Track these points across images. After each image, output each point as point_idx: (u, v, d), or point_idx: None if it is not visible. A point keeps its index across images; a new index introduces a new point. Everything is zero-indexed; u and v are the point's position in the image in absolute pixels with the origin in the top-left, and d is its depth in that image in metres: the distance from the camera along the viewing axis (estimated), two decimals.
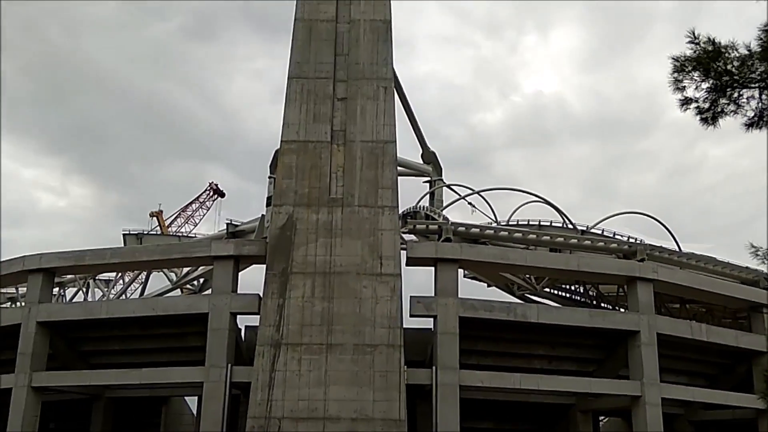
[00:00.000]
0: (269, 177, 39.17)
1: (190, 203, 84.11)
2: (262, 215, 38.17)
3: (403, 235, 34.58)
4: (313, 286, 26.70)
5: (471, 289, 42.99)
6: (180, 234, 69.06)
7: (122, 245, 46.30)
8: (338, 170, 28.27)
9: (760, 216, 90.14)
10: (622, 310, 40.25)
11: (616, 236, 35.91)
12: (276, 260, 27.12)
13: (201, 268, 40.73)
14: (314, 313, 26.39)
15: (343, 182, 28.12)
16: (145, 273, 47.31)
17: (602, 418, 42.35)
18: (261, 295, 27.24)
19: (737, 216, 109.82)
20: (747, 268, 34.56)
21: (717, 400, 32.77)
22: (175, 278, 45.65)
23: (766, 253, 10.60)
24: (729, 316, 41.04)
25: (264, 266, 27.45)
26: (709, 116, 10.23)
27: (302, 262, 27.00)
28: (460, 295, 28.68)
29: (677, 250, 35.42)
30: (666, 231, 37.43)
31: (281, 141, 28.80)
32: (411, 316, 28.42)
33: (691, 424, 37.26)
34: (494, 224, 40.72)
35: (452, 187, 46.25)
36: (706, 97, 10.19)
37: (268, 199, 37.98)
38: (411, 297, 28.36)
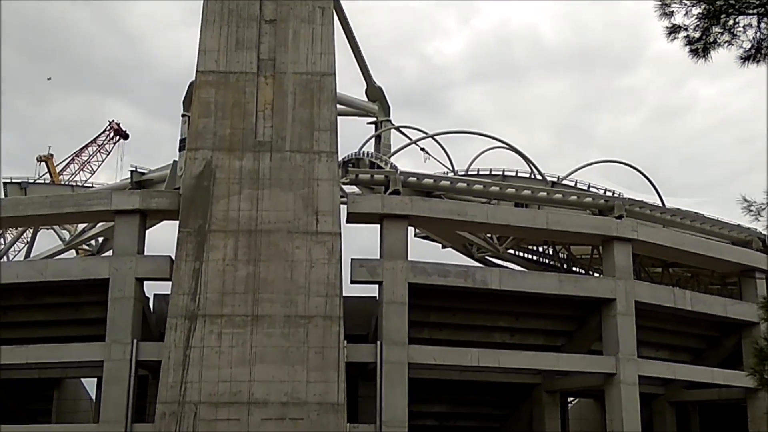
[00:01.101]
0: (183, 115, 38.41)
1: (86, 146, 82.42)
2: (174, 161, 37.56)
3: (344, 187, 34.51)
4: (235, 247, 26.56)
5: (423, 250, 43.38)
6: (74, 183, 67.73)
7: (1, 196, 45.17)
8: (266, 108, 27.96)
9: (756, 166, 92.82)
10: (596, 275, 41.23)
11: (591, 189, 36.49)
12: (191, 216, 26.85)
13: (100, 224, 40.06)
14: (237, 278, 26.31)
15: (271, 122, 27.85)
16: (31, 231, 46.35)
17: (571, 399, 43.59)
18: (173, 257, 27.01)
19: (730, 166, 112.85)
20: (739, 226, 35.60)
21: (701, 378, 34.01)
22: (68, 237, 44.88)
23: (761, 207, 10.88)
24: (717, 281, 42.41)
25: (177, 223, 27.15)
26: (700, 47, 10.37)
27: (223, 218, 26.80)
28: (409, 258, 28.90)
29: (660, 205, 36.22)
30: (648, 183, 38.20)
31: (197, 72, 28.29)
32: (352, 282, 28.57)
33: (671, 405, 38.69)
34: (451, 174, 40.95)
35: (402, 129, 46.20)
36: (697, 25, 10.31)
37: (182, 141, 37.30)
38: (352, 260, 28.47)
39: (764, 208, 10.98)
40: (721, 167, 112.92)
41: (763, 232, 32.47)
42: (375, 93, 45.59)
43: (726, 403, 36.78)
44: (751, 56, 10.42)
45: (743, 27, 10.34)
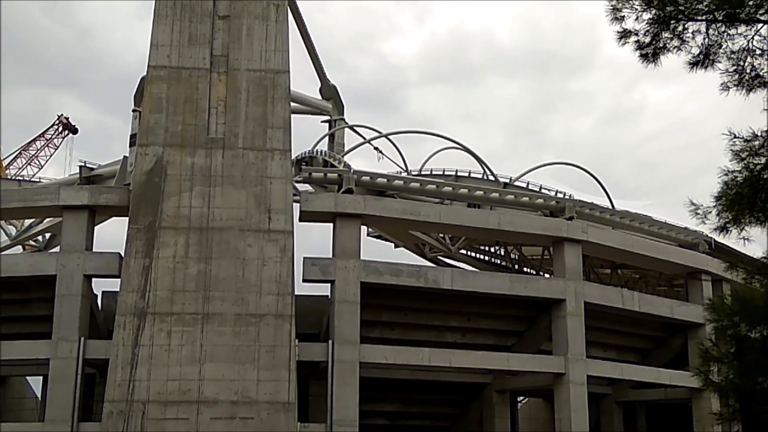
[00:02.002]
0: (134, 110, 38.02)
1: (34, 140, 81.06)
2: (125, 157, 37.10)
3: (297, 185, 34.42)
4: (186, 245, 26.36)
5: (375, 250, 43.43)
6: (21, 178, 66.57)
7: None
8: (219, 104, 27.79)
9: (705, 170, 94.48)
10: (546, 275, 41.65)
11: (543, 190, 36.86)
12: (141, 212, 26.58)
13: (47, 220, 39.43)
14: (188, 276, 26.11)
15: (224, 119, 27.68)
16: None
17: (521, 398, 44.01)
18: (122, 254, 26.72)
19: (680, 170, 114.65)
20: (686, 229, 36.23)
21: (648, 378, 34.56)
22: (14, 232, 44.09)
23: (707, 210, 11.08)
24: (665, 283, 43.15)
25: (126, 219, 26.86)
26: (650, 52, 10.55)
27: (174, 215, 26.57)
28: (362, 257, 28.94)
29: (610, 207, 36.72)
30: (598, 185, 38.69)
31: (149, 66, 28.00)
32: (304, 281, 28.53)
33: (619, 405, 39.28)
34: (404, 174, 41.06)
35: (356, 128, 46.19)
36: (648, 30, 10.48)
37: (132, 137, 36.88)
38: (304, 258, 28.43)
39: (710, 211, 11.19)
40: (671, 170, 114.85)
41: (710, 235, 33.06)
42: (329, 91, 45.52)
43: (672, 402, 37.45)
44: (699, 62, 10.62)
45: (692, 33, 10.53)
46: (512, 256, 44.84)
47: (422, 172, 41.50)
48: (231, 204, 26.90)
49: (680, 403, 36.88)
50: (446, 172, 40.37)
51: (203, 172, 27.06)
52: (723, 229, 11.17)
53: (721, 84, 10.74)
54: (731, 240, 11.38)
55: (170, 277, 26.04)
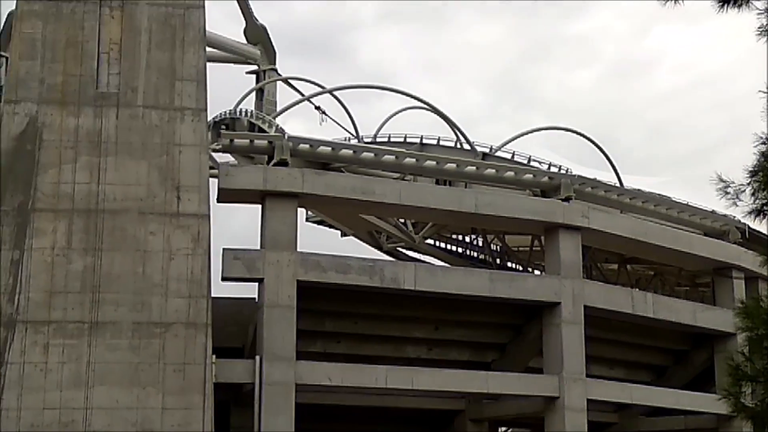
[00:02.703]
0: None
1: None
2: None
3: (214, 155, 34.23)
4: (69, 232, 26.10)
5: (317, 239, 43.37)
6: None
7: None
8: (111, 49, 27.49)
9: (735, 138, 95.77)
10: (536, 272, 41.99)
11: (532, 163, 37.13)
12: (9, 190, 26.24)
13: None
14: (71, 273, 25.86)
15: (119, 69, 27.40)
16: None
17: (503, 429, 44.43)
18: None
19: (704, 138, 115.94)
20: (713, 212, 36.75)
21: (665, 403, 35.07)
22: None
23: (740, 189, 11.20)
24: (686, 282, 43.78)
25: None
26: None
27: (52, 193, 26.28)
28: (299, 249, 28.90)
29: (617, 185, 37.09)
30: (603, 157, 39.07)
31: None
32: (224, 279, 28.44)
33: None
34: (354, 141, 41.03)
35: (291, 81, 46.10)
36: None
37: None
38: (224, 250, 28.32)
39: (743, 190, 11.30)
40: (693, 139, 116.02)
41: (743, 221, 33.59)
42: (256, 34, 45.33)
43: None
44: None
45: None
46: (493, 247, 45.12)
47: (378, 139, 41.53)
48: (128, 179, 26.65)
49: None
50: (409, 139, 40.45)
51: (91, 138, 26.76)
52: (759, 212, 11.31)
53: (758, 28, 10.85)
54: None
55: (47, 274, 25.74)
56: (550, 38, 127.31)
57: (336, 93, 43.00)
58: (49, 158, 26.52)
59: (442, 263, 43.51)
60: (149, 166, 26.87)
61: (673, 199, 37.15)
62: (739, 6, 10.83)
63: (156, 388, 25.52)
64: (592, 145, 39.43)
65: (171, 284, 26.23)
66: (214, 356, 26.16)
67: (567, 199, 32.73)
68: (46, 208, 26.19)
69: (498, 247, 45.27)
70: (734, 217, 34.59)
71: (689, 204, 37.25)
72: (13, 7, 28.29)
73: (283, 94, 45.79)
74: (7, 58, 33.52)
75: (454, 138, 38.99)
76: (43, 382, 25.08)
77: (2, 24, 37.18)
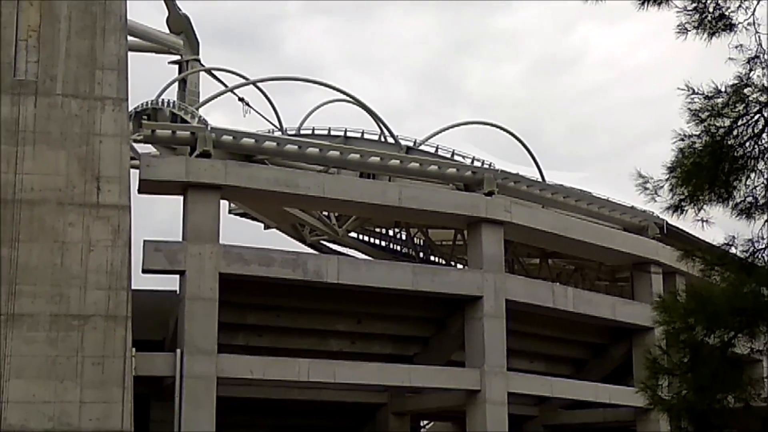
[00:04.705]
0: None
1: None
2: None
3: (136, 146, 33.87)
4: None
5: (239, 232, 43.17)
6: None
7: None
8: (30, 36, 27.04)
9: (656, 134, 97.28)
10: (459, 266, 42.27)
11: (456, 157, 37.34)
12: None
13: None
14: None
15: (37, 56, 26.96)
16: None
17: (425, 423, 44.71)
18: None
19: (626, 133, 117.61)
20: (632, 208, 37.28)
21: (584, 396, 35.57)
22: None
23: (659, 185, 11.35)
24: (606, 277, 44.41)
25: None
26: None
27: None
28: (221, 241, 28.77)
29: (540, 180, 37.47)
30: (526, 152, 39.43)
31: None
32: (144, 271, 28.26)
33: (547, 429, 40.29)
34: (278, 133, 40.90)
35: (215, 72, 45.75)
36: None
37: None
38: (145, 242, 28.12)
39: (662, 186, 11.46)
40: (616, 135, 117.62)
41: (661, 217, 34.02)
42: (179, 23, 44.88)
43: (613, 426, 38.63)
44: None
45: None
46: (416, 241, 45.33)
47: (301, 131, 41.42)
48: (46, 169, 26.27)
49: (622, 427, 38.11)
50: (332, 132, 40.44)
51: (8, 127, 26.31)
52: (677, 208, 11.48)
53: (678, 26, 11.02)
54: (687, 222, 11.69)
55: None
56: (476, 33, 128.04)
57: (260, 84, 42.83)
58: None
59: (366, 257, 43.57)
60: (68, 156, 26.51)
61: (594, 195, 37.61)
62: (659, 4, 11.00)
63: (74, 381, 25.22)
64: (515, 141, 39.79)
65: (90, 276, 25.93)
66: (134, 349, 25.93)
67: (490, 194, 33.00)
68: None
69: (421, 241, 45.51)
70: (653, 212, 35.18)
71: (610, 199, 37.73)
72: None
73: (207, 85, 45.47)
74: None
75: (379, 131, 39.07)
76: None
77: None
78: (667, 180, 11.33)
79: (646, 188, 11.40)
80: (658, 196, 11.38)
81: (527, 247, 39.77)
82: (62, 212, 26.14)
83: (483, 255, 32.20)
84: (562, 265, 45.05)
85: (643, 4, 10.96)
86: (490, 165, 36.30)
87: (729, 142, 11.13)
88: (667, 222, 36.23)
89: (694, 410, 12.45)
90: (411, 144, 37.70)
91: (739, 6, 10.97)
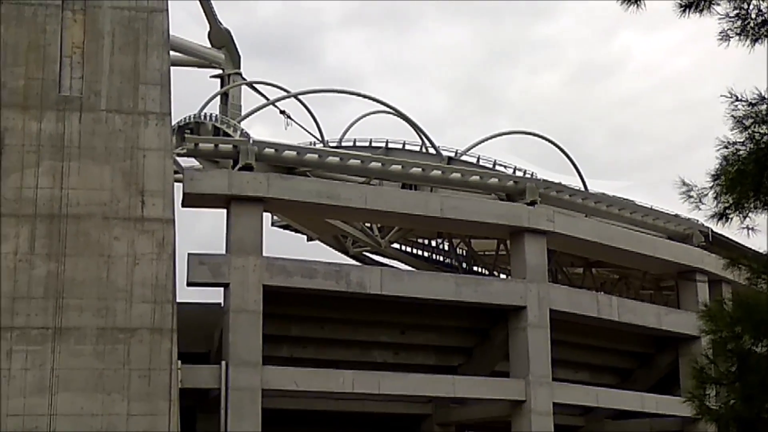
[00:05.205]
0: None
1: None
2: None
3: (179, 159, 34.10)
4: (32, 237, 25.92)
5: (283, 244, 43.32)
6: None
7: None
8: (74, 53, 27.34)
9: (699, 141, 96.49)
10: (502, 276, 42.14)
11: (498, 167, 37.26)
12: None
13: None
14: (34, 279, 25.69)
15: (81, 72, 27.25)
16: None
17: None
18: None
19: (668, 141, 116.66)
20: (676, 216, 37.03)
21: (630, 406, 35.26)
22: None
23: (703, 193, 11.29)
24: (650, 285, 44.08)
25: None
26: None
27: (14, 198, 26.09)
28: (265, 254, 28.87)
29: (582, 189, 37.30)
30: (568, 161, 39.29)
31: None
32: (189, 284, 28.40)
33: None
34: (319, 145, 41.02)
35: (256, 86, 46.00)
36: None
37: None
38: (190, 255, 28.28)
39: (706, 194, 11.40)
40: (657, 142, 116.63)
41: (706, 225, 33.86)
42: (221, 37, 45.19)
43: None
44: (692, 4, 10.82)
45: None
46: (459, 251, 45.25)
47: (343, 144, 41.53)
48: (91, 184, 26.52)
49: None
50: (374, 144, 40.49)
51: (54, 142, 26.60)
52: (722, 216, 11.40)
53: (720, 33, 10.96)
54: (732, 230, 11.60)
55: (10, 280, 25.56)
56: (516, 42, 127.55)
57: (301, 97, 43.01)
58: (12, 163, 26.33)
59: (408, 267, 43.57)
60: (113, 170, 26.74)
61: (637, 203, 37.41)
62: (701, 11, 10.95)
63: (121, 394, 25.40)
64: (557, 149, 39.66)
65: (136, 289, 26.12)
66: (179, 362, 26.07)
67: (532, 203, 32.91)
68: (8, 213, 26.00)
69: (464, 251, 45.42)
70: (697, 220, 34.96)
71: (653, 208, 37.51)
72: None
73: (248, 98, 45.71)
74: None
75: (420, 142, 39.09)
76: (6, 388, 24.91)
77: None
78: (711, 188, 11.26)
79: (690, 196, 11.33)
80: (703, 204, 11.32)
81: (570, 256, 39.58)
82: (107, 226, 26.36)
83: (526, 265, 32.11)
84: (606, 275, 44.79)
85: (684, 10, 10.91)
86: (532, 174, 36.17)
87: None
88: (711, 230, 35.96)
89: (742, 419, 12.35)
90: (452, 154, 37.67)
91: None
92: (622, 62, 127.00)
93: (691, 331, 33.04)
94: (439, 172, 33.93)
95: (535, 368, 31.24)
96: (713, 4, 10.76)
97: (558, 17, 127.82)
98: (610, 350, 37.92)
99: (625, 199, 37.52)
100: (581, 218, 35.21)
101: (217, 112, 41.91)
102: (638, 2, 10.82)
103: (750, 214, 11.32)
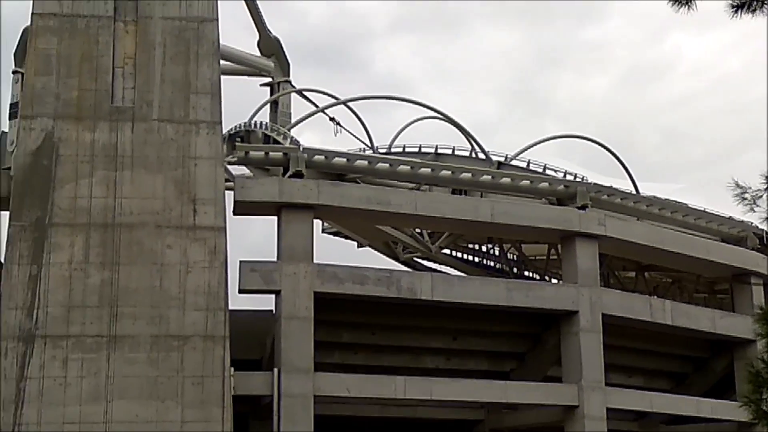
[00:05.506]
0: (14, 72, 37.84)
1: None
2: (4, 133, 36.93)
3: (230, 167, 34.33)
4: (86, 246, 26.22)
5: (333, 250, 43.43)
6: None
7: None
8: (126, 64, 27.64)
9: (752, 142, 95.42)
10: (554, 281, 41.94)
11: (548, 171, 37.12)
12: (26, 205, 26.38)
13: None
14: (89, 287, 25.97)
15: (133, 83, 27.54)
16: None
17: None
18: (2, 260, 26.54)
19: (721, 143, 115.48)
20: (730, 219, 36.64)
21: (685, 410, 34.92)
22: None
23: (757, 195, 11.21)
24: (704, 289, 43.62)
25: (7, 214, 26.66)
26: None
27: (69, 207, 26.41)
28: (316, 260, 28.97)
29: (634, 192, 37.05)
30: (618, 164, 39.03)
31: (33, 14, 27.75)
32: (241, 291, 28.54)
33: None
34: (369, 152, 41.08)
35: (306, 93, 46.14)
36: None
37: (13, 107, 36.66)
38: (241, 262, 28.42)
39: (761, 196, 11.31)
40: (709, 144, 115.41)
41: (760, 227, 33.48)
42: (270, 46, 45.39)
43: None
44: (744, 4, 10.74)
45: None
46: (510, 256, 45.10)
47: (392, 150, 41.57)
48: (144, 193, 26.77)
49: None
50: (423, 149, 40.49)
51: (107, 152, 26.90)
52: None
53: None
54: None
55: (66, 289, 25.86)
56: (564, 44, 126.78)
57: (350, 104, 43.09)
58: (66, 173, 26.66)
59: (459, 273, 43.48)
60: (165, 179, 26.99)
61: (690, 206, 37.08)
62: (753, 11, 10.87)
63: (175, 401, 25.59)
64: (608, 153, 39.43)
65: (188, 297, 26.32)
66: (232, 369, 26.22)
67: (583, 207, 32.74)
68: (63, 223, 26.33)
69: (514, 256, 45.25)
70: (752, 223, 34.57)
71: (706, 210, 37.17)
72: (28, 23, 28.41)
73: (298, 106, 45.82)
74: (22, 74, 33.78)
75: (469, 147, 39.06)
76: (63, 396, 25.18)
77: (17, 40, 37.40)
78: (766, 189, 11.17)
79: (744, 198, 11.26)
80: (757, 206, 11.24)
81: (623, 260, 39.29)
82: (160, 235, 26.59)
83: (578, 269, 31.94)
84: (659, 278, 44.39)
85: (736, 11, 10.84)
86: (582, 178, 36.00)
87: None
88: (766, 232, 35.54)
89: None
90: (502, 159, 37.58)
91: None
92: (673, 63, 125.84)
93: (747, 334, 32.72)
94: (489, 177, 33.83)
95: (588, 373, 31.05)
96: (765, 4, 10.68)
97: (607, 19, 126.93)
98: (664, 354, 37.59)
99: (677, 201, 37.22)
100: (633, 221, 34.97)
101: (267, 120, 42.12)
102: (689, 3, 10.76)
103: None
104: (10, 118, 36.75)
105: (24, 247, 26.09)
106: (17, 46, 37.11)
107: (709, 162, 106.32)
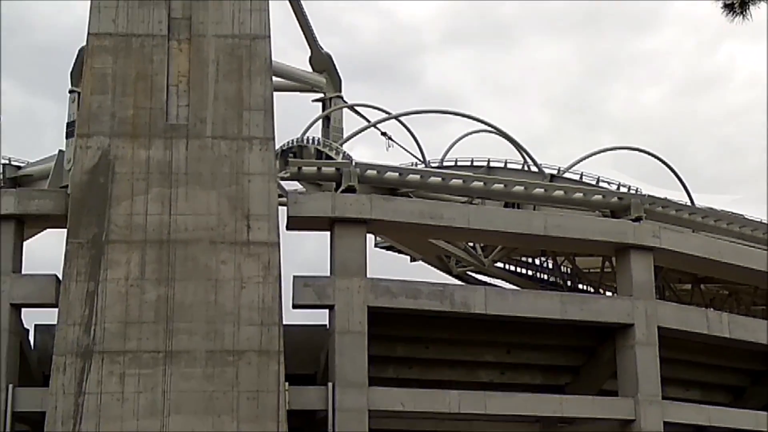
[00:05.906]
0: (71, 92, 38.41)
1: None
2: (61, 151, 37.43)
3: (283, 183, 34.53)
4: (142, 263, 26.46)
5: (386, 265, 43.47)
6: None
7: None
8: (180, 81, 27.92)
9: None
10: (608, 294, 41.68)
11: (601, 184, 36.96)
12: (83, 222, 26.69)
13: None
14: (145, 303, 26.21)
15: (187, 100, 27.80)
16: None
17: None
18: (60, 276, 26.83)
19: None
20: None
21: (744, 424, 34.42)
22: None
23: None
24: (762, 301, 43.08)
25: (64, 232, 26.98)
26: (737, 2, 10.60)
27: (125, 224, 26.69)
28: (369, 275, 29.00)
29: (689, 204, 36.76)
30: (673, 176, 38.74)
31: (89, 35, 28.15)
32: (295, 306, 28.57)
33: None
34: (421, 166, 41.14)
35: (357, 108, 46.34)
36: None
37: (70, 125, 37.21)
38: (295, 277, 28.48)
39: None
40: (764, 155, 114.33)
41: None
42: (322, 62, 45.65)
43: None
44: (733, 4, 10.65)
45: None
46: (563, 269, 44.89)
47: (444, 163, 41.61)
48: (198, 209, 26.99)
49: None
50: (475, 163, 40.51)
51: (162, 169, 27.16)
52: None
53: None
54: None
55: (122, 305, 26.12)
56: (617, 56, 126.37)
57: (402, 118, 43.20)
58: (122, 190, 26.95)
59: (513, 286, 43.36)
60: (219, 195, 27.19)
61: (746, 217, 36.71)
62: (742, 13, 10.77)
63: (230, 416, 25.73)
64: (662, 164, 39.17)
65: (243, 312, 26.47)
66: (287, 383, 26.32)
67: (637, 219, 32.52)
68: (119, 240, 26.60)
69: (568, 269, 45.05)
70: None
71: (763, 222, 36.79)
72: (84, 43, 28.81)
73: (350, 121, 46.04)
74: (78, 93, 34.28)
75: (522, 160, 39.01)
76: (120, 411, 25.42)
77: (74, 60, 37.96)
78: None
79: None
80: None
81: (678, 272, 38.96)
82: (215, 251, 26.78)
83: (633, 282, 31.68)
84: (716, 290, 43.96)
85: (729, 12, 10.75)
86: (636, 190, 35.84)
87: None
88: None
89: None
90: (555, 172, 37.52)
91: None
92: (727, 74, 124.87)
93: None
94: (542, 189, 33.71)
95: (644, 387, 30.76)
96: (753, 3, 10.58)
97: (660, 30, 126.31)
98: (722, 367, 37.15)
99: (733, 213, 36.91)
100: (689, 233, 34.66)
101: (320, 136, 42.38)
102: (744, 12, 10.69)
103: None
104: (67, 137, 37.29)
105: (81, 264, 26.39)
106: (74, 65, 37.69)
107: (765, 174, 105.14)
